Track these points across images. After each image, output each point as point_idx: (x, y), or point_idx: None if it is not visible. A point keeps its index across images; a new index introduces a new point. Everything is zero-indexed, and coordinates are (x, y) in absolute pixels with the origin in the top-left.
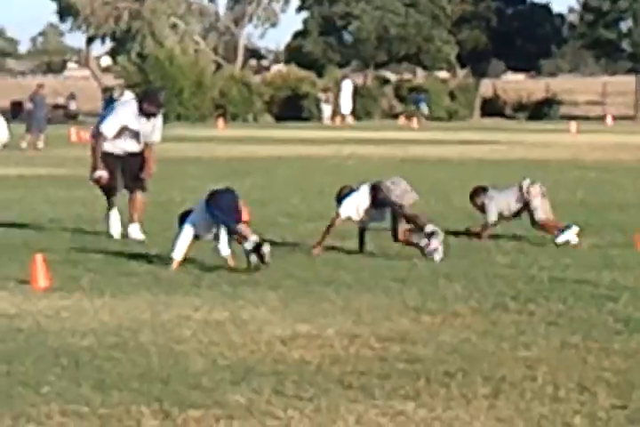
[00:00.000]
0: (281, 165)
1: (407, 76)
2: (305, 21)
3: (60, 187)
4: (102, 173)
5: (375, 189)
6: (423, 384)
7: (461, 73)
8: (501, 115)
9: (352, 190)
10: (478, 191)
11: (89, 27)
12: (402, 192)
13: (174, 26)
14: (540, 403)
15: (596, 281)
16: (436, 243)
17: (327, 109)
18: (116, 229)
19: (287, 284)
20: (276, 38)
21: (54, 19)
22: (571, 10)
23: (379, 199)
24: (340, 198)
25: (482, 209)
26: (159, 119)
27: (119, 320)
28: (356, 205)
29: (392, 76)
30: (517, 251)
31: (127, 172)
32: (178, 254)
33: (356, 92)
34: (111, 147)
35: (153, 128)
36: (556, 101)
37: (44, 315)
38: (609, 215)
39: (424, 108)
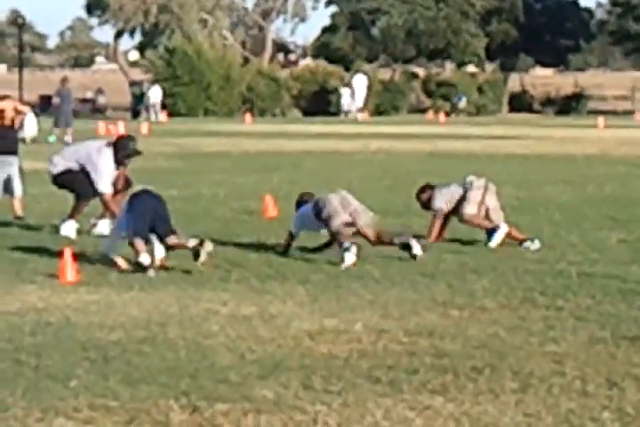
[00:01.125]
0: (309, 159)
1: (435, 70)
2: (333, 16)
3: None
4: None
5: (316, 205)
6: (451, 379)
7: (490, 68)
8: (529, 109)
9: (307, 202)
10: (425, 188)
11: (117, 21)
12: (346, 208)
13: (203, 20)
14: (568, 398)
15: (624, 276)
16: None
17: (352, 104)
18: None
19: (315, 278)
20: (304, 33)
21: (82, 13)
22: (599, 4)
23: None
24: (299, 205)
25: (426, 205)
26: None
27: (147, 314)
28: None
29: (420, 71)
30: (545, 246)
31: None
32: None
33: (370, 87)
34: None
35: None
36: (585, 96)
37: (73, 309)
38: (637, 210)
39: (462, 103)
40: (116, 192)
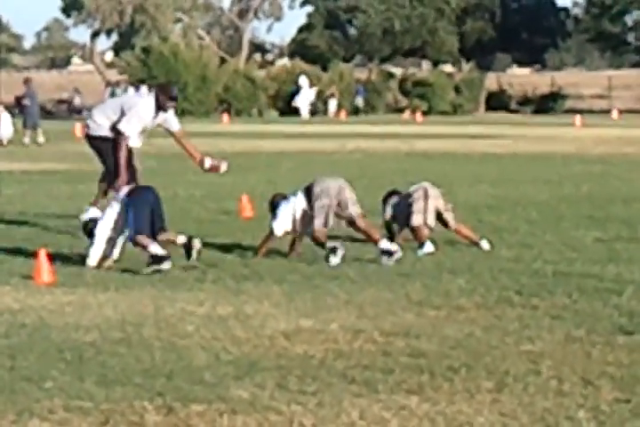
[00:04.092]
0: (285, 159)
1: (412, 70)
2: (309, 15)
3: (64, 182)
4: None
5: (308, 186)
6: (427, 379)
7: (467, 67)
8: (506, 109)
9: (284, 199)
10: (391, 194)
11: (93, 21)
12: (338, 194)
13: (178, 20)
14: (544, 397)
15: (600, 275)
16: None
17: (332, 104)
18: None
19: (291, 279)
20: (281, 33)
21: (59, 14)
22: (575, 3)
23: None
24: (273, 208)
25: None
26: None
27: (123, 315)
28: (292, 215)
29: (397, 71)
30: (521, 245)
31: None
32: (93, 259)
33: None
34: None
35: (165, 120)
36: (562, 95)
37: (48, 310)
38: (614, 209)
39: (359, 101)
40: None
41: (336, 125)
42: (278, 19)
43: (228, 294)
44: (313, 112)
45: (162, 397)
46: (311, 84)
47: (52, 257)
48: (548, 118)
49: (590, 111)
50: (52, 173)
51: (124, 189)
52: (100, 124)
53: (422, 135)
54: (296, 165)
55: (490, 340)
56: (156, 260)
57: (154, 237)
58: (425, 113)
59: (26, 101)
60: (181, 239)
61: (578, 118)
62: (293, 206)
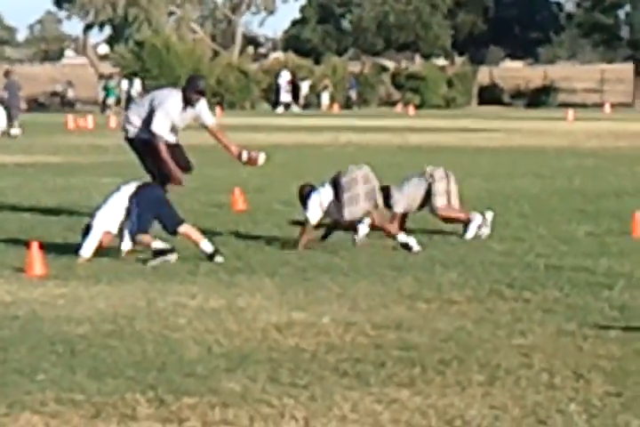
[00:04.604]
0: (278, 152)
1: (405, 63)
2: (303, 9)
3: (56, 174)
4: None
5: (336, 182)
6: (418, 372)
7: (459, 61)
8: (499, 102)
9: (312, 189)
10: (382, 189)
11: (86, 14)
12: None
13: (172, 13)
14: (535, 390)
15: (592, 268)
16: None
17: (325, 97)
18: None
19: (283, 271)
20: (274, 26)
21: (52, 6)
22: None
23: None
24: (304, 198)
25: (385, 203)
26: (202, 103)
27: (115, 308)
28: (319, 204)
29: (390, 64)
30: (513, 238)
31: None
32: (87, 251)
33: (294, 82)
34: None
35: (198, 114)
36: (554, 89)
37: (40, 302)
38: (605, 203)
39: (352, 94)
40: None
41: (329, 118)
42: (271, 12)
43: (220, 286)
44: (305, 105)
45: (153, 389)
46: (304, 78)
47: (45, 249)
48: (541, 112)
49: (583, 105)
50: (46, 166)
51: (132, 185)
52: (137, 126)
53: (415, 129)
54: (289, 158)
55: (481, 333)
56: (162, 253)
57: (171, 231)
58: (417, 107)
59: (4, 94)
60: (207, 247)
61: (570, 112)
62: (321, 197)
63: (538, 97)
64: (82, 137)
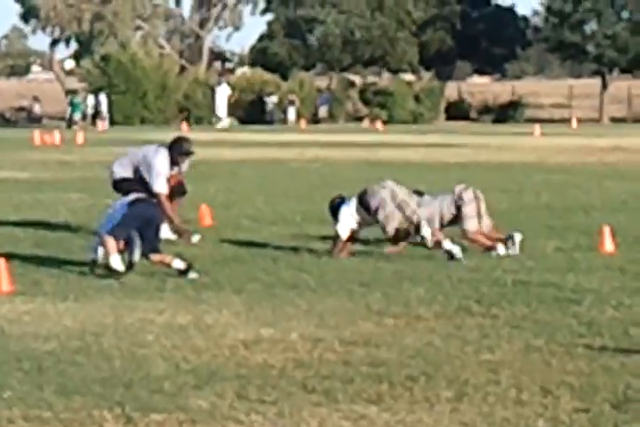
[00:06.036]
0: (245, 168)
1: (372, 78)
2: (270, 24)
3: (23, 190)
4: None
5: (361, 196)
6: (386, 388)
7: (427, 76)
8: (467, 118)
9: (342, 201)
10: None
11: (52, 29)
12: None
13: (138, 28)
14: (503, 406)
15: (560, 284)
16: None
17: (291, 112)
18: None
19: (251, 288)
20: (241, 41)
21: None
22: (535, 13)
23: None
24: (334, 210)
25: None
26: (187, 162)
27: (82, 325)
28: (350, 216)
29: (357, 79)
30: (481, 254)
31: None
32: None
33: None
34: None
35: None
36: (522, 104)
37: (7, 319)
38: (573, 218)
39: (323, 110)
40: (172, 198)
41: (295, 134)
42: (237, 28)
43: (187, 303)
44: (271, 121)
45: (121, 406)
46: (270, 93)
47: (11, 266)
48: (508, 127)
49: (551, 120)
50: (12, 182)
51: (131, 196)
52: (120, 172)
53: (382, 144)
54: (256, 174)
55: (449, 349)
56: (111, 271)
57: (146, 256)
58: (385, 122)
59: None
60: (179, 264)
61: (537, 127)
62: (350, 209)
63: (505, 112)
64: (49, 153)
